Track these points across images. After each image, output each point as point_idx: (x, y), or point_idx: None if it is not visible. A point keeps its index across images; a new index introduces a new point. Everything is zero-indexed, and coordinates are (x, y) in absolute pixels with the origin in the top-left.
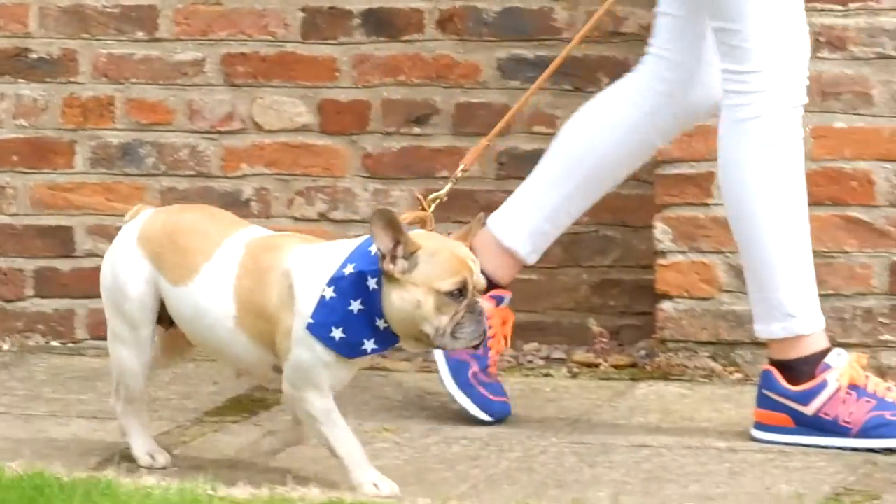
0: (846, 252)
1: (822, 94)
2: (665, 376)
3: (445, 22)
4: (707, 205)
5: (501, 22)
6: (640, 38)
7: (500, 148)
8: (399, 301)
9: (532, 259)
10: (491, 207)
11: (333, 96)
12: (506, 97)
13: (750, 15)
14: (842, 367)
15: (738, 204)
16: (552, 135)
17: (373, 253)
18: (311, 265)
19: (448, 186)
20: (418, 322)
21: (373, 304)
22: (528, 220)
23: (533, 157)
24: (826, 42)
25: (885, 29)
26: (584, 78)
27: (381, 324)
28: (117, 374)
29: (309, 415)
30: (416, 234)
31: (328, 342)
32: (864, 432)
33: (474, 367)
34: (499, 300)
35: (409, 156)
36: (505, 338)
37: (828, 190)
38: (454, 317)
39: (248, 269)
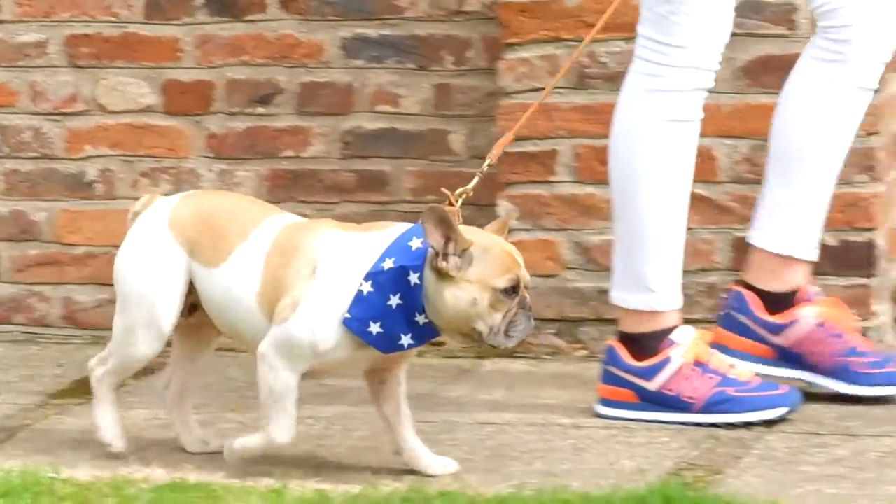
0: (689, 228)
1: None
2: (510, 353)
3: (288, 1)
4: (551, 182)
5: (344, 1)
6: (484, 17)
7: (345, 127)
8: (453, 299)
9: (815, 252)
10: (336, 187)
11: (177, 77)
12: (349, 76)
13: None
14: (687, 343)
15: (625, 172)
16: (396, 114)
17: (413, 248)
18: (340, 251)
19: (475, 181)
20: (472, 320)
21: (413, 299)
22: (785, 222)
23: (377, 136)
24: None
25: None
26: (428, 57)
27: (420, 319)
28: (121, 361)
29: (269, 385)
30: (464, 231)
31: (365, 337)
32: (707, 408)
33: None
34: (812, 295)
35: (253, 136)
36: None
37: None
38: (507, 314)
39: (279, 246)
